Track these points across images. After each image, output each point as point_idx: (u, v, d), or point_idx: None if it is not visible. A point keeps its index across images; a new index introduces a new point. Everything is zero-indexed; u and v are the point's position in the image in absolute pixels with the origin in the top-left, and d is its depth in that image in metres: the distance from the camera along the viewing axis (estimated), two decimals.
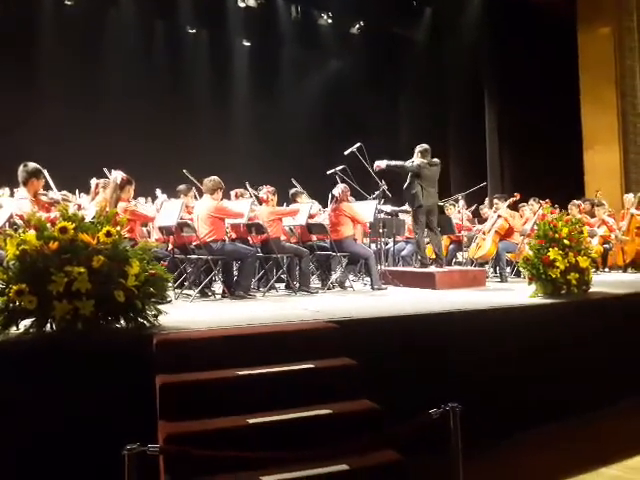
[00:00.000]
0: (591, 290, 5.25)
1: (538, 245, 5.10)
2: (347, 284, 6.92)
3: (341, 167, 7.31)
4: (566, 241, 5.04)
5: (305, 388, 3.11)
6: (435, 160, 6.90)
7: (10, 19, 11.25)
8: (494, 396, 4.02)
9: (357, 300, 5.62)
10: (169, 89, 13.45)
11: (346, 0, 12.91)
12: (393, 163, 6.83)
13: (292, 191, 7.52)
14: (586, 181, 13.51)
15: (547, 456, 3.90)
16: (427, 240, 7.28)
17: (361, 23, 14.97)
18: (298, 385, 3.12)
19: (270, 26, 14.05)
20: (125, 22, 12.85)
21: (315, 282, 7.38)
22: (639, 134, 13.24)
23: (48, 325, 3.20)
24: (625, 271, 8.73)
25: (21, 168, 4.75)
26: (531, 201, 8.74)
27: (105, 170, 5.89)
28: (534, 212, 8.31)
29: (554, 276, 4.92)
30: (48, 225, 3.22)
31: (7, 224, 4.56)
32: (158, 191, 7.57)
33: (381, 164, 6.80)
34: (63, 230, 3.17)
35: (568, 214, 7.89)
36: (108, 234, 3.27)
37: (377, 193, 7.42)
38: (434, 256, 6.99)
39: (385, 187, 7.39)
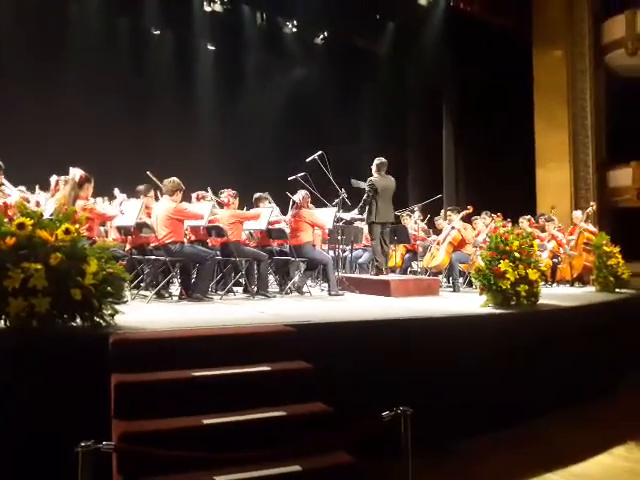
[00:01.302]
0: (539, 302, 5.44)
1: (490, 257, 5.28)
2: (305, 289, 6.99)
3: (302, 174, 7.39)
4: (517, 254, 5.23)
5: (260, 390, 3.15)
6: (389, 176, 7.09)
7: None
8: (446, 401, 4.14)
9: (314, 305, 5.69)
10: (132, 89, 13.28)
11: (311, 10, 13.04)
12: (360, 206, 7.20)
13: (255, 195, 7.56)
14: (538, 197, 14.02)
15: (496, 461, 4.01)
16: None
17: (325, 34, 15.19)
18: (253, 387, 3.16)
19: (235, 31, 14.07)
20: (87, 19, 12.63)
21: (273, 287, 7.42)
22: (588, 153, 13.85)
23: (2, 321, 3.14)
24: (572, 285, 9.08)
25: None
26: (483, 214, 9.01)
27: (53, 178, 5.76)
28: (486, 225, 8.57)
29: (504, 287, 5.09)
30: (5, 220, 3.17)
31: None
32: (116, 190, 7.47)
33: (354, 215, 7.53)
34: (21, 226, 3.13)
35: (519, 228, 8.22)
36: (67, 231, 3.24)
37: (337, 201, 7.53)
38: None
39: (345, 195, 7.52)
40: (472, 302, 5.61)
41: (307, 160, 7.35)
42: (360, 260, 9.04)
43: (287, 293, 6.79)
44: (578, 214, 9.49)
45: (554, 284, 9.06)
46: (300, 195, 6.98)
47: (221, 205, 6.92)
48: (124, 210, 6.34)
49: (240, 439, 2.80)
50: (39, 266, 3.08)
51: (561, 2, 14.07)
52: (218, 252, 6.55)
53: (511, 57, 13.58)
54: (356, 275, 8.14)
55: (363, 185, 7.22)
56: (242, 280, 6.82)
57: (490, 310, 5.08)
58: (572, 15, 14.04)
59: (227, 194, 6.67)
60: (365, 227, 8.91)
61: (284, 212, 7.85)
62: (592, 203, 10.24)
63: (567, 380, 5.18)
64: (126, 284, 3.93)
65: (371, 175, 7.07)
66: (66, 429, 2.72)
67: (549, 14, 14.23)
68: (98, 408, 2.88)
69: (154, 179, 6.65)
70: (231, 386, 3.11)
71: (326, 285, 7.04)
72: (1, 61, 11.51)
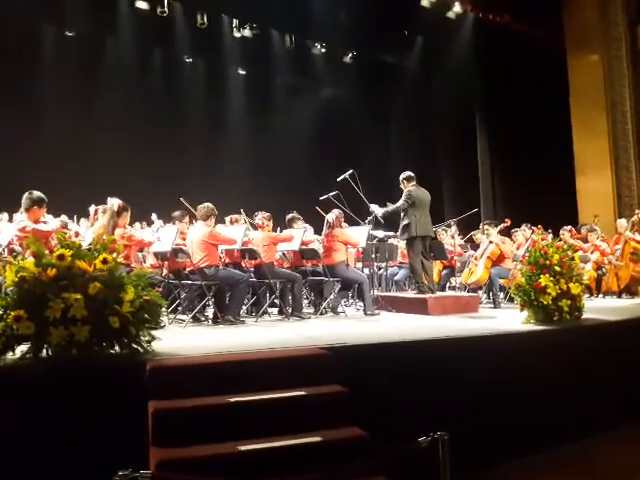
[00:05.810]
0: (583, 316, 5.27)
1: (529, 272, 5.14)
2: (340, 309, 6.94)
3: (334, 193, 7.40)
4: (557, 267, 5.08)
5: (296, 415, 3.14)
6: (422, 188, 7.00)
7: (12, 49, 11.43)
8: (485, 423, 4.02)
9: (350, 326, 5.64)
10: (165, 117, 13.66)
11: (339, 30, 13.14)
12: (387, 210, 7.00)
13: (288, 216, 7.59)
14: (579, 206, 13.64)
15: None
16: None
17: (354, 52, 15.27)
18: (289, 412, 3.14)
19: (265, 55, 14.29)
20: (122, 51, 13.09)
21: (308, 307, 7.40)
22: (631, 159, 13.42)
23: (44, 351, 3.22)
24: (620, 297, 8.75)
25: (26, 195, 4.82)
26: (523, 226, 8.82)
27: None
28: (526, 238, 8.36)
29: (546, 303, 4.94)
30: (46, 252, 3.27)
31: (6, 250, 4.60)
32: (154, 216, 7.65)
33: (376, 210, 7.06)
34: (61, 257, 3.22)
35: (560, 240, 8.00)
36: (104, 261, 3.33)
37: (369, 218, 7.50)
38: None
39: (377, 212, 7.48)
40: (513, 319, 5.46)
41: (338, 179, 7.36)
42: (396, 277, 8.96)
43: (322, 314, 6.76)
44: (623, 222, 9.20)
45: (600, 296, 8.77)
46: (333, 215, 6.98)
47: (255, 227, 6.99)
48: (160, 236, 6.46)
49: (277, 465, 2.78)
50: (78, 296, 3.15)
51: (593, 6, 13.79)
52: (252, 274, 6.60)
53: (545, 64, 13.33)
54: (392, 294, 8.05)
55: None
56: (277, 301, 6.83)
57: (532, 327, 4.94)
58: (606, 19, 13.71)
59: (261, 216, 6.73)
60: (400, 244, 8.85)
61: (317, 232, 7.86)
62: (637, 211, 9.90)
63: (614, 398, 4.97)
64: (163, 309, 3.97)
65: (402, 190, 7.00)
66: (104, 457, 2.75)
67: (582, 18, 13.95)
68: (136, 436, 2.91)
69: (186, 204, 6.77)
70: (267, 411, 3.10)
71: (362, 305, 6.98)
72: (40, 93, 11.99)
